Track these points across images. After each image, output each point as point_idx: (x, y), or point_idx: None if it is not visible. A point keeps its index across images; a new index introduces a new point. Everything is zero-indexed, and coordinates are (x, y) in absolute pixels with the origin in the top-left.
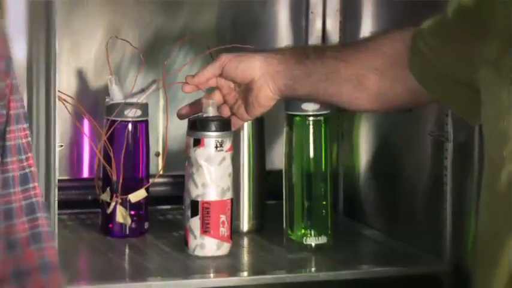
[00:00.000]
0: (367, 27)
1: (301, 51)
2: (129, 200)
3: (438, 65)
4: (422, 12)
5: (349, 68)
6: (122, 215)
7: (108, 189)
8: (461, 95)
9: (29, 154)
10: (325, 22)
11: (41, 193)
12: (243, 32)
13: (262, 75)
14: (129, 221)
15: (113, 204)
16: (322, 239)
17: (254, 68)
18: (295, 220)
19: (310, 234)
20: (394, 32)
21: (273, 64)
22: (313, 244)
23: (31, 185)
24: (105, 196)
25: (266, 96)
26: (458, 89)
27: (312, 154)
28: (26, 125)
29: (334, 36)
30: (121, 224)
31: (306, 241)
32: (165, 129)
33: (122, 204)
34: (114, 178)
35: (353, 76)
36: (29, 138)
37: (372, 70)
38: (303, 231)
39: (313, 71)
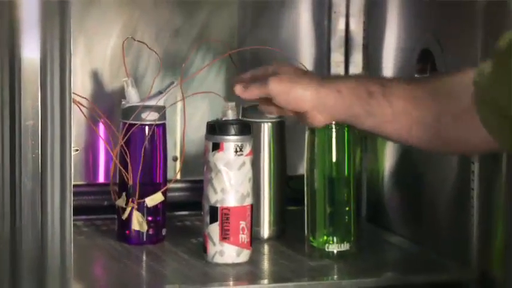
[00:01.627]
0: (391, 27)
1: (363, 87)
2: (146, 205)
3: (502, 108)
4: (447, 12)
5: (421, 111)
6: (138, 221)
7: (123, 194)
8: None
9: None
10: (348, 22)
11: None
12: (263, 33)
13: (315, 107)
14: (145, 227)
15: (128, 209)
16: (345, 246)
17: (305, 100)
18: (317, 226)
19: (333, 241)
20: (459, 75)
21: (327, 99)
22: (335, 251)
23: None
24: (120, 201)
25: (320, 122)
26: None
27: (334, 159)
28: None
29: (357, 36)
30: (138, 231)
31: (328, 248)
32: (183, 132)
33: (138, 209)
34: (130, 182)
35: (425, 120)
36: None
37: (447, 116)
38: (325, 237)
39: (378, 111)
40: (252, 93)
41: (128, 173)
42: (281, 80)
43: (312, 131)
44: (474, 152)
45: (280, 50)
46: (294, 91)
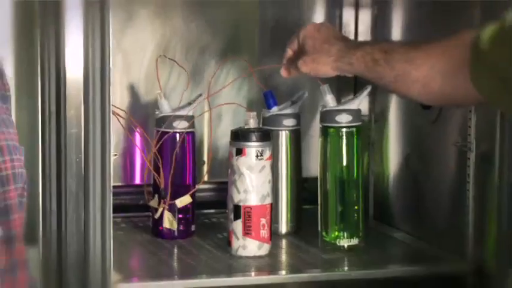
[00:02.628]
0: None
1: (369, 57)
2: (176, 206)
3: (498, 72)
4: (450, 22)
5: (418, 71)
6: (168, 220)
7: (156, 196)
8: None
9: (6, 157)
10: (356, 38)
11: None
12: (283, 47)
13: (335, 74)
14: (175, 225)
15: (160, 210)
16: (354, 241)
17: (327, 74)
18: (330, 223)
19: (343, 236)
20: (457, 37)
21: (344, 71)
22: (345, 245)
23: (7, 188)
24: (153, 203)
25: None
26: None
27: (344, 163)
28: (5, 129)
29: None
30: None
31: (339, 243)
32: (210, 139)
33: (169, 210)
34: (162, 185)
35: (421, 78)
36: (8, 142)
37: (438, 74)
38: (336, 233)
39: (383, 75)
40: (294, 74)
41: (160, 177)
42: (307, 62)
43: (325, 138)
44: (462, 105)
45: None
46: (317, 69)
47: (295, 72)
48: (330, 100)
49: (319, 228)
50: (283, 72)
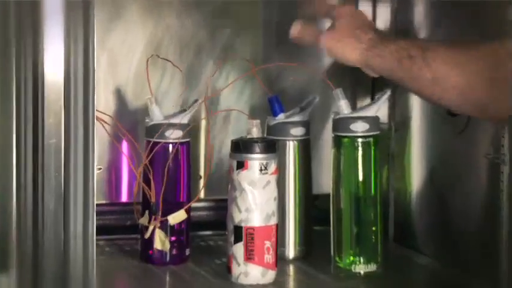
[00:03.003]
0: None
1: (405, 52)
2: (169, 225)
3: None
4: (477, 22)
5: (460, 76)
6: (160, 240)
7: (146, 212)
8: None
9: None
10: None
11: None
12: (288, 48)
13: (360, 66)
14: (168, 246)
15: (151, 227)
16: (372, 267)
17: (349, 62)
18: (343, 247)
19: (359, 262)
20: (502, 43)
21: (371, 63)
22: (362, 272)
23: None
24: (143, 220)
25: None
26: None
27: (361, 177)
28: None
29: None
30: (161, 251)
31: (354, 269)
32: (207, 151)
33: (160, 228)
34: (153, 200)
35: (461, 84)
36: None
37: (479, 81)
38: (351, 258)
39: (418, 76)
40: (305, 38)
41: (151, 192)
42: (332, 38)
43: (338, 149)
44: (498, 120)
45: (306, 67)
46: (341, 52)
47: (308, 39)
48: (343, 106)
49: (332, 253)
50: (294, 30)
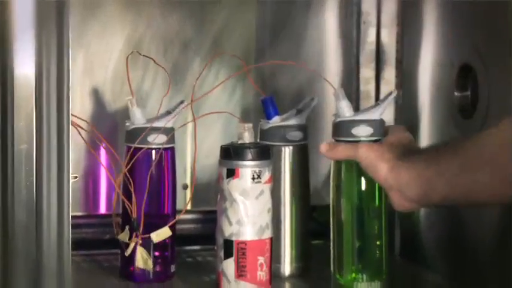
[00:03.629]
0: (428, 39)
1: (434, 150)
2: (152, 240)
3: None
4: (489, 24)
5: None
6: (142, 259)
7: (127, 228)
8: None
9: None
10: (379, 33)
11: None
12: (284, 45)
13: (390, 187)
14: (150, 265)
15: (132, 245)
16: (376, 285)
17: (380, 177)
18: (345, 262)
19: (362, 279)
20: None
21: (401, 173)
22: None
23: None
24: (123, 236)
25: (401, 205)
26: None
27: (363, 187)
28: None
29: (390, 49)
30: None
31: (356, 286)
32: (194, 157)
33: (143, 245)
34: (134, 215)
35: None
36: None
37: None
38: (353, 275)
39: (446, 167)
40: (338, 154)
41: (131, 205)
42: (371, 149)
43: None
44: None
45: (303, 65)
46: (371, 164)
47: (345, 153)
48: (345, 108)
49: (332, 269)
50: (323, 148)
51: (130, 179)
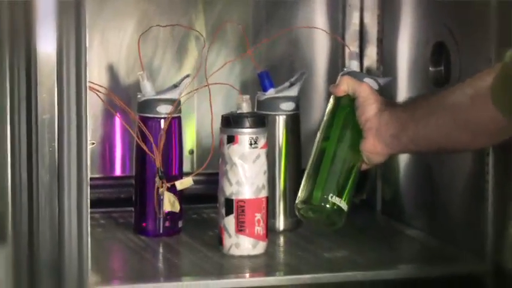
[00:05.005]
0: (405, 20)
1: (413, 98)
2: (176, 187)
3: None
4: (462, 4)
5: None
6: (169, 202)
7: (158, 176)
8: None
9: None
10: (362, 15)
11: None
12: (278, 24)
13: (370, 128)
14: (177, 207)
15: (161, 190)
16: (343, 204)
17: (366, 116)
18: (317, 183)
19: (331, 198)
20: (476, 81)
21: (383, 114)
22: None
23: None
24: (157, 180)
25: (372, 148)
26: None
27: (352, 126)
28: None
29: (372, 29)
30: (155, 223)
31: (331, 198)
32: (199, 125)
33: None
34: (158, 164)
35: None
36: None
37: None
38: (323, 194)
39: (417, 111)
40: (344, 82)
41: (155, 155)
42: (372, 89)
43: (335, 109)
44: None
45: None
46: (360, 104)
47: (350, 82)
48: (354, 66)
49: (300, 195)
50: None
51: (143, 144)
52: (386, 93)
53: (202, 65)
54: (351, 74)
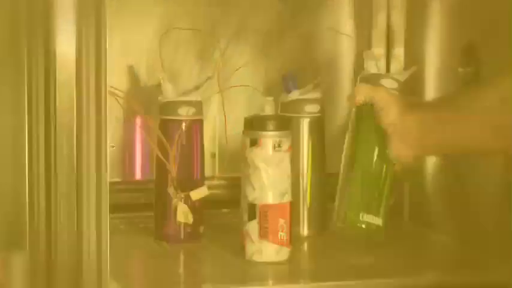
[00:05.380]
0: (435, 20)
1: (436, 100)
2: (191, 198)
3: None
4: (492, 5)
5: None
6: (183, 213)
7: (172, 185)
8: None
9: None
10: (389, 14)
11: None
12: (302, 26)
13: (394, 131)
14: (191, 219)
15: (174, 201)
16: (377, 220)
17: (389, 120)
18: (352, 202)
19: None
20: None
21: (407, 116)
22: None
23: None
24: (171, 190)
25: (398, 151)
26: None
27: (378, 134)
28: None
29: (399, 29)
30: (175, 228)
31: (362, 218)
32: (221, 128)
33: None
34: (174, 174)
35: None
36: None
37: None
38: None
39: (443, 114)
40: (361, 91)
41: (171, 165)
42: (389, 92)
43: (358, 119)
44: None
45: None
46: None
47: (367, 91)
48: (371, 67)
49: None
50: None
51: (159, 152)
52: (414, 92)
53: (223, 67)
54: (368, 77)
